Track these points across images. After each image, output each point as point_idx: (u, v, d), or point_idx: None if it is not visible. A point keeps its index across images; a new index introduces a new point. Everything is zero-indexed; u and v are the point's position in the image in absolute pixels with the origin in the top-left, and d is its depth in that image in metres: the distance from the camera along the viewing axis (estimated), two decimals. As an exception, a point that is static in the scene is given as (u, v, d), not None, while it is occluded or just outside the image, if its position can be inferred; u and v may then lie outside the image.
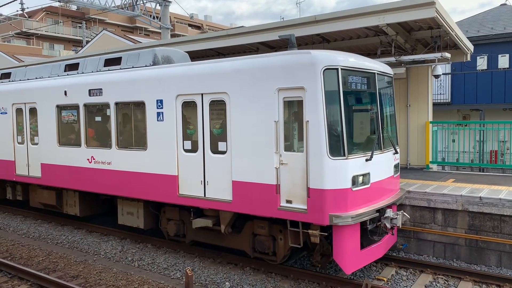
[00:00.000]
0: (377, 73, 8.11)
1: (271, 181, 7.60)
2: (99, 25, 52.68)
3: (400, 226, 8.05)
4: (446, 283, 7.99)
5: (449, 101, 20.59)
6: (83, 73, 11.00)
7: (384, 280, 8.08)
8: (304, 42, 12.56)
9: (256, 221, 8.35)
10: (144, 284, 8.04)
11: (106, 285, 8.02)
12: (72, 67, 11.41)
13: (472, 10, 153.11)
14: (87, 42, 32.51)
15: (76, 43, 51.83)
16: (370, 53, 12.06)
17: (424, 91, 13.15)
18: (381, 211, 7.76)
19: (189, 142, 8.79)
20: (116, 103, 9.94)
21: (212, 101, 8.38)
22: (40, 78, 12.09)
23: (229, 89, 8.06)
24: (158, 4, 21.14)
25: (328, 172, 7.03)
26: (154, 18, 21.26)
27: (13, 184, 13.55)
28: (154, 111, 9.19)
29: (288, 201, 7.49)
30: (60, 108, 11.19)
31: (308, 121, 7.13)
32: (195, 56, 13.87)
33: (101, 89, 10.18)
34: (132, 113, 9.85)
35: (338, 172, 7.10)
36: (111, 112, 10.01)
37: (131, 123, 9.90)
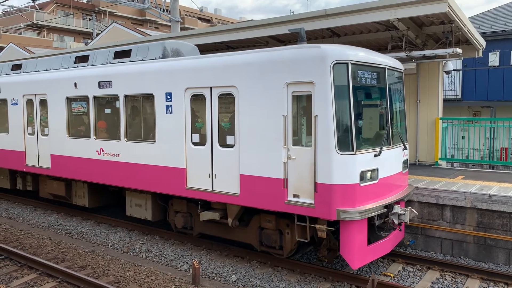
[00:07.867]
0: (387, 68, 8.05)
1: (278, 175, 7.60)
2: (109, 18, 52.83)
3: (408, 222, 8.02)
4: (453, 280, 7.96)
5: (460, 97, 20.37)
6: (93, 65, 11.04)
7: (391, 276, 8.07)
8: (314, 36, 12.48)
9: (263, 215, 8.36)
10: (151, 275, 8.11)
11: (114, 276, 8.10)
12: (82, 59, 11.47)
13: (478, 7, 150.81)
14: (97, 34, 32.60)
15: (86, 35, 52.10)
16: (380, 48, 11.96)
17: (435, 87, 13.03)
18: (389, 207, 7.73)
19: (198, 135, 8.80)
20: (126, 96, 9.98)
21: (220, 95, 8.38)
22: (50, 69, 12.17)
23: (238, 82, 8.05)
24: (168, -3, 21.09)
25: (336, 167, 7.01)
26: (163, 11, 21.24)
27: (24, 174, 13.71)
28: (163, 104, 9.21)
29: (296, 196, 7.49)
30: (70, 100, 11.26)
31: (317, 115, 7.10)
32: (205, 49, 13.86)
33: (110, 81, 10.22)
34: (141, 106, 9.89)
35: (346, 167, 7.07)
36: (121, 104, 10.05)
37: (140, 116, 9.94)
